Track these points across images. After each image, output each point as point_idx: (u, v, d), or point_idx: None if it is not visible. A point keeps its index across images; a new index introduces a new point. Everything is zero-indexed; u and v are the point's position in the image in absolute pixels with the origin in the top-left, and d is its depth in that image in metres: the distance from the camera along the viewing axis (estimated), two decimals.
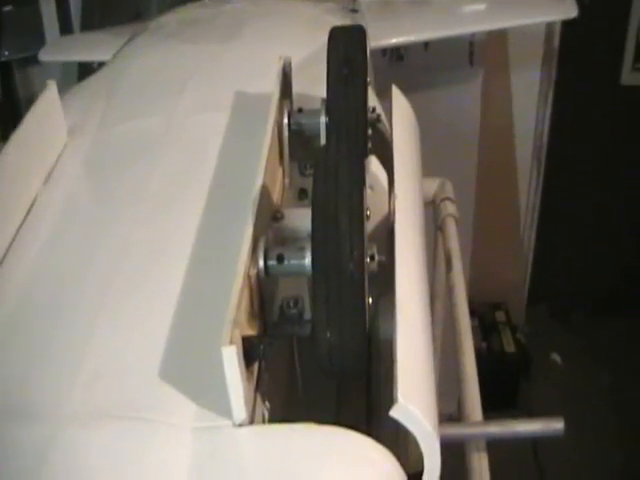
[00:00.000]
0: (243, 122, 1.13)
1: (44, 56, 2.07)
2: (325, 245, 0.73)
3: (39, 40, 2.51)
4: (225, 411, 0.71)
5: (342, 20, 1.60)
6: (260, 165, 0.87)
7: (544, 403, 2.67)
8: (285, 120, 1.02)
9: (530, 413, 2.65)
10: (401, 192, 0.94)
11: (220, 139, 1.09)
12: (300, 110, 1.05)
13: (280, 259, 0.79)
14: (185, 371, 0.77)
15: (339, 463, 0.68)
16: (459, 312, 1.34)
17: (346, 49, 1.00)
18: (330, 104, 0.98)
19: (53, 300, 0.88)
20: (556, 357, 2.97)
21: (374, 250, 0.79)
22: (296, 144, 1.05)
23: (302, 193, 1.02)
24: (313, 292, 0.72)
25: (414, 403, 0.69)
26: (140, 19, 2.47)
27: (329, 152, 0.81)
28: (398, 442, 0.78)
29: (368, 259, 0.77)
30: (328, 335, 0.70)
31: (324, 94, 1.08)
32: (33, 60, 2.43)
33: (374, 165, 0.99)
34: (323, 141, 1.01)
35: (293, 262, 0.78)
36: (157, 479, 0.67)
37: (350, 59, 0.99)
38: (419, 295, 0.84)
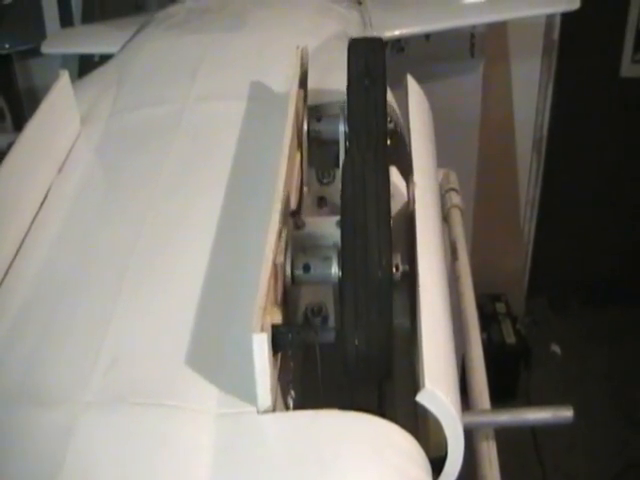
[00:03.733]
0: (255, 109, 1.14)
1: (47, 48, 2.06)
2: (354, 254, 0.75)
3: (40, 32, 2.51)
4: (248, 397, 0.71)
5: (348, 10, 1.60)
6: (280, 173, 0.87)
7: (544, 394, 2.69)
8: (305, 127, 1.04)
9: (530, 404, 2.66)
10: (419, 180, 0.94)
11: (232, 127, 1.10)
12: (319, 119, 1.07)
13: (306, 268, 0.81)
14: (206, 357, 0.77)
15: (365, 449, 0.68)
16: (466, 302, 1.34)
17: (366, 60, 1.03)
18: (352, 115, 0.99)
19: (70, 287, 0.88)
20: (556, 348, 2.98)
21: (398, 260, 0.81)
22: (313, 151, 1.07)
23: (321, 201, 1.05)
24: (341, 299, 0.74)
25: (440, 388, 0.70)
26: (140, 11, 2.47)
27: (355, 163, 0.83)
28: (416, 428, 0.78)
29: (394, 269, 0.78)
30: (356, 342, 0.71)
31: (335, 83, 1.09)
32: (33, 53, 2.43)
33: (394, 175, 1.01)
34: (342, 150, 1.03)
35: (319, 271, 0.80)
36: (179, 466, 0.68)
37: (370, 70, 1.01)
38: (440, 281, 0.85)
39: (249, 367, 0.69)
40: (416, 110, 1.08)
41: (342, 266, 0.76)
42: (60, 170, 1.06)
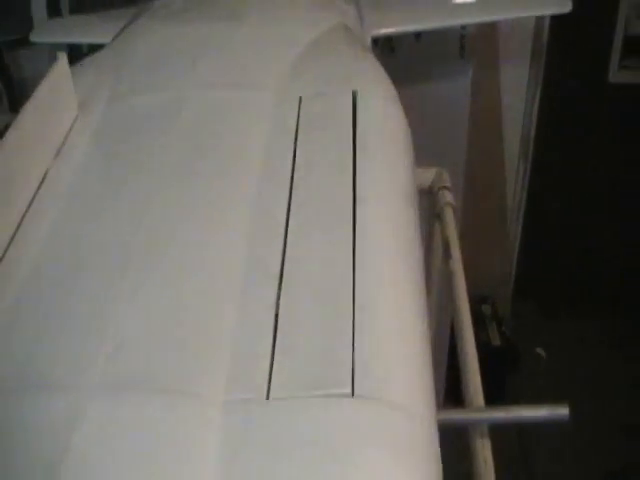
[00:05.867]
0: (254, 99, 1.13)
1: (36, 37, 2.03)
2: None
3: (26, 23, 2.48)
4: (256, 383, 0.70)
5: (345, 4, 1.60)
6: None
7: (531, 397, 2.68)
8: None
9: None
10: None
11: (231, 116, 1.10)
12: None
13: None
14: (213, 342, 0.76)
15: (378, 435, 0.67)
16: (459, 300, 1.34)
17: None
18: None
19: (72, 271, 0.86)
20: (541, 351, 2.98)
21: None
22: None
23: None
24: None
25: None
26: (129, 4, 2.46)
27: None
28: None
29: None
30: None
31: (336, 74, 1.10)
32: (21, 43, 2.40)
33: None
34: None
35: None
36: (185, 453, 0.66)
37: None
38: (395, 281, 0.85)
39: (255, 353, 0.68)
40: (367, 123, 1.07)
41: None
42: (57, 155, 1.04)
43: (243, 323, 0.76)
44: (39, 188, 0.99)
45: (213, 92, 1.14)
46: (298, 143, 1.03)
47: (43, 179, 1.00)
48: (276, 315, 0.76)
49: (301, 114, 1.08)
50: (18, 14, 2.56)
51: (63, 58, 1.07)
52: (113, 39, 1.39)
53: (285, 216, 0.88)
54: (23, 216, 0.94)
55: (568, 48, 2.72)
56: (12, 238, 0.90)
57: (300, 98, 1.12)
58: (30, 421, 0.69)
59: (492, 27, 2.65)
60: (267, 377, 0.70)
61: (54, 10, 2.59)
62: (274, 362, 0.72)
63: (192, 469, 0.64)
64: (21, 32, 2.36)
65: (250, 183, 0.95)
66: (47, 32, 2.07)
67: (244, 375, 0.71)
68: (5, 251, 0.88)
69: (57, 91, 1.05)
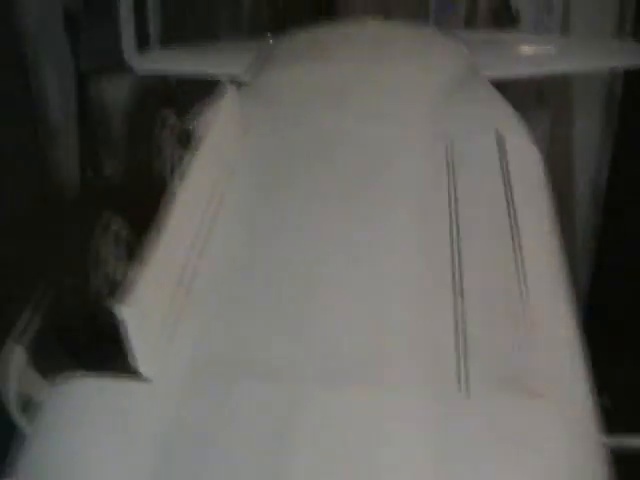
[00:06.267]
0: (404, 135, 1.23)
1: (139, 66, 2.09)
2: None
3: (114, 52, 2.55)
4: (448, 381, 0.79)
5: (461, 46, 1.67)
6: None
7: None
8: None
9: None
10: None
11: (385, 149, 1.19)
12: None
13: None
14: (409, 343, 0.85)
15: (555, 431, 0.79)
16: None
17: None
18: None
19: (269, 281, 0.95)
20: (606, 400, 2.95)
21: None
22: None
23: None
24: None
25: None
26: (216, 39, 2.54)
27: None
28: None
29: None
30: None
31: (481, 117, 1.27)
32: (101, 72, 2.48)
33: None
34: None
35: None
36: (395, 445, 0.73)
37: None
38: None
39: (445, 353, 0.81)
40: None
41: None
42: (230, 178, 1.10)
43: (432, 328, 0.86)
44: (217, 208, 1.06)
45: (366, 127, 1.21)
46: (451, 178, 1.10)
47: (220, 201, 1.07)
48: (460, 322, 0.87)
49: (450, 151, 1.16)
50: (106, 43, 2.63)
51: (232, 88, 1.14)
52: (252, 72, 1.46)
53: (449, 239, 0.99)
54: (207, 235, 1.00)
55: None
56: (202, 251, 0.98)
57: (447, 135, 1.19)
58: (252, 406, 0.75)
59: (567, 76, 2.69)
60: (458, 376, 0.80)
61: (142, 40, 2.66)
62: (464, 363, 0.82)
63: (406, 460, 0.71)
64: (109, 60, 2.44)
65: (413, 211, 1.06)
66: (152, 62, 2.12)
67: (437, 373, 0.81)
68: (199, 259, 0.97)
69: (228, 119, 1.12)
